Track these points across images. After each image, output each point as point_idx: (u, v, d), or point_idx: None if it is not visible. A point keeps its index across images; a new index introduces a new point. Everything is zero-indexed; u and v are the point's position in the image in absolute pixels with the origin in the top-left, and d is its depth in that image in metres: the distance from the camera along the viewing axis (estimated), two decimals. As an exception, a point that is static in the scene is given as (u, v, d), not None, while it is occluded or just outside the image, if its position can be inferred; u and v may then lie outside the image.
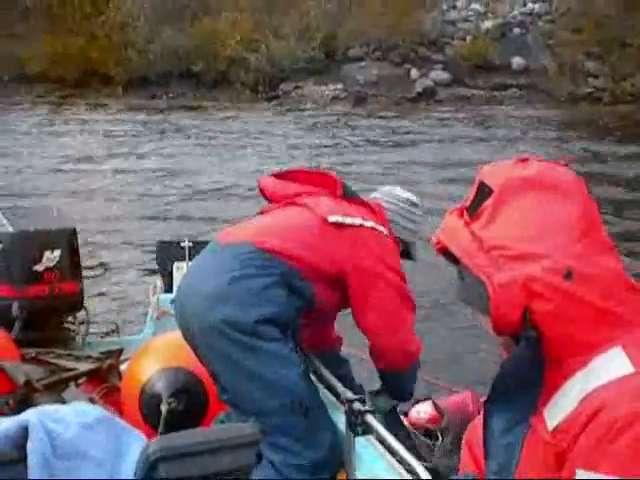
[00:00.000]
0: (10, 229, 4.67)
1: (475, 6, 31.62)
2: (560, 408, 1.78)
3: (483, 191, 1.86)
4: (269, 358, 3.42)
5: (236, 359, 3.43)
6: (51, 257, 4.69)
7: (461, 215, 1.90)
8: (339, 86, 28.69)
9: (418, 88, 28.10)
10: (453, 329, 7.65)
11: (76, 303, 4.95)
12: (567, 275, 1.73)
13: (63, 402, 4.00)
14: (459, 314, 7.77)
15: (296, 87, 29.38)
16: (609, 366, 1.74)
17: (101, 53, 32.98)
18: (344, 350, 4.49)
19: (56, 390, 4.18)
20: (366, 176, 15.64)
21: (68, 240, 4.83)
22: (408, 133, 21.96)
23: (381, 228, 3.80)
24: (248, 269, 3.49)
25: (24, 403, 3.92)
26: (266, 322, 3.43)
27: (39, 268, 4.70)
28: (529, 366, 1.83)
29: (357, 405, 3.38)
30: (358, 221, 3.71)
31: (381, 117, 25.08)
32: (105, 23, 33.75)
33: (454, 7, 31.92)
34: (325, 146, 20.00)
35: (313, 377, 3.86)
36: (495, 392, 1.92)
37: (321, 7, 31.35)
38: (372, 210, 3.90)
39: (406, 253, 4.10)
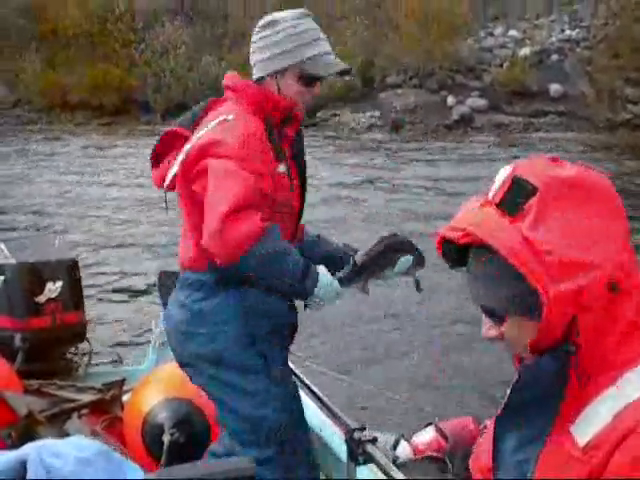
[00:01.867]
0: (12, 261, 4.71)
1: (512, 33, 31.60)
2: (591, 423, 1.71)
3: (524, 188, 1.74)
4: (244, 393, 3.39)
5: (210, 392, 3.48)
6: (53, 288, 4.72)
7: (497, 210, 1.78)
8: (376, 113, 28.77)
9: (455, 115, 28.08)
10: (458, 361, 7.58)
11: (78, 334, 4.97)
12: (613, 287, 1.67)
13: (66, 434, 4.02)
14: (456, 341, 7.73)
15: (333, 114, 29.51)
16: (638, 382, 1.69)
17: (140, 81, 33.38)
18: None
19: (58, 422, 4.20)
20: (404, 204, 15.66)
21: (70, 271, 4.86)
22: (445, 159, 21.92)
23: (221, 118, 3.30)
24: (188, 297, 3.47)
25: (26, 435, 3.92)
26: (234, 346, 3.38)
27: (41, 299, 4.73)
28: (552, 380, 1.76)
29: (358, 434, 3.35)
30: (184, 153, 3.32)
31: (418, 144, 25.08)
32: (144, 51, 34.17)
33: (491, 34, 31.94)
34: (361, 173, 20.01)
35: (313, 403, 3.85)
36: (509, 406, 1.83)
37: (358, 34, 31.50)
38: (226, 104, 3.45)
39: (309, 78, 3.41)
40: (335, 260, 3.62)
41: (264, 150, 3.29)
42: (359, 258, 3.52)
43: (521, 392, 1.81)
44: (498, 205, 1.77)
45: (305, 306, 3.45)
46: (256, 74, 3.45)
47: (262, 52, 3.40)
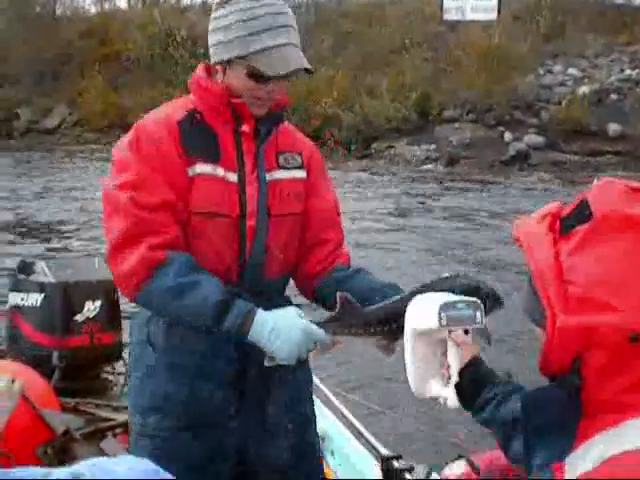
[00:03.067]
0: (52, 280, 4.77)
1: (572, 71, 31.40)
2: (581, 462, 1.70)
3: (583, 212, 1.73)
4: None
5: None
6: (91, 308, 4.76)
7: (553, 224, 1.79)
8: (432, 147, 28.70)
9: (511, 151, 27.92)
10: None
11: (115, 353, 5.02)
12: (633, 339, 1.64)
13: (101, 452, 4.04)
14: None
15: (389, 146, 29.51)
16: (638, 434, 1.66)
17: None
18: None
19: (94, 440, 4.22)
20: (455, 235, 15.61)
21: (108, 291, 4.90)
22: (500, 194, 21.80)
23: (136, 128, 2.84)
24: None
25: (62, 452, 3.96)
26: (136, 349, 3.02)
27: (79, 318, 4.79)
28: (559, 407, 1.77)
29: (394, 464, 3.31)
30: None
31: (473, 179, 24.97)
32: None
33: (550, 71, 31.75)
34: (414, 206, 19.97)
35: (346, 430, 3.82)
36: (525, 429, 1.86)
37: (417, 67, 31.52)
38: None
39: (257, 74, 2.77)
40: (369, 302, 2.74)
41: (157, 150, 2.75)
42: (368, 311, 2.67)
43: (528, 418, 1.83)
44: (562, 220, 1.77)
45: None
46: (219, 53, 2.86)
47: (212, 36, 2.86)
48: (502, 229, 16.23)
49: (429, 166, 27.57)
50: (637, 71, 30.83)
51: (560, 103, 29.41)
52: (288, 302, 2.99)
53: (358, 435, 3.84)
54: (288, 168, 2.98)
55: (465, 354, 2.27)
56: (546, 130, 28.41)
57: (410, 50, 32.34)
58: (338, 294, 2.70)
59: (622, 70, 31.22)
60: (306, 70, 2.83)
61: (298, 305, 2.88)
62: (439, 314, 2.23)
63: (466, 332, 2.31)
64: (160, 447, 2.81)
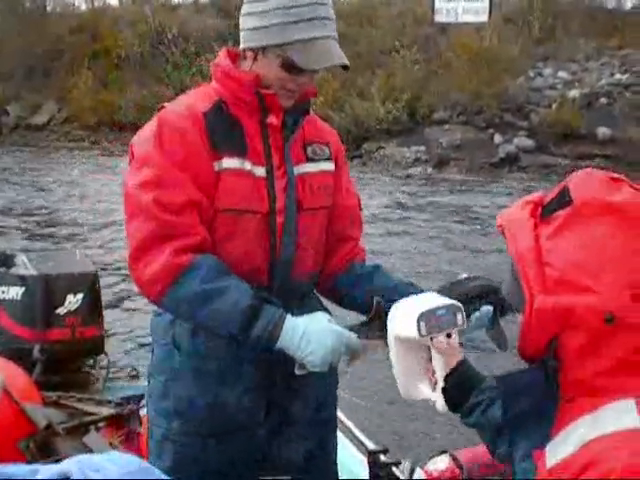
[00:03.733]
0: (33, 272, 4.75)
1: (562, 74, 31.42)
2: (561, 448, 1.73)
3: (563, 198, 1.79)
4: None
5: None
6: (73, 301, 4.74)
7: (535, 211, 1.84)
8: (422, 148, 28.66)
9: (501, 154, 27.88)
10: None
11: (97, 347, 5.04)
12: (608, 320, 1.67)
13: (84, 446, 4.04)
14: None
15: (379, 147, 29.47)
16: (617, 417, 1.69)
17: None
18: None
19: (77, 434, 4.21)
20: (444, 235, 15.61)
21: (90, 284, 4.90)
22: (488, 198, 21.81)
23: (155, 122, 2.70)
24: None
25: (45, 447, 3.95)
26: (160, 354, 2.96)
27: (61, 311, 4.79)
28: (537, 392, 1.80)
29: (382, 457, 3.31)
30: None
31: (462, 181, 24.99)
32: (195, 75, 34.41)
33: (541, 75, 31.77)
34: (402, 206, 20.00)
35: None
36: (506, 416, 1.88)
37: (407, 69, 31.51)
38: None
39: (291, 66, 2.68)
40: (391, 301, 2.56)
41: (181, 144, 2.62)
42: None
43: (506, 403, 1.85)
44: (543, 206, 1.83)
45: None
46: (241, 45, 2.78)
47: (246, 20, 2.72)
48: (490, 230, 16.29)
49: (418, 168, 27.52)
50: (627, 75, 30.86)
51: (550, 106, 29.40)
52: (319, 303, 2.95)
53: (345, 429, 3.83)
54: (316, 160, 2.91)
55: (449, 360, 2.28)
56: (536, 133, 28.40)
57: (401, 51, 32.28)
58: (375, 299, 2.62)
59: (612, 74, 31.24)
60: (344, 67, 2.79)
61: (327, 309, 2.84)
62: (418, 324, 2.24)
63: (449, 336, 2.31)
64: (181, 452, 2.76)
